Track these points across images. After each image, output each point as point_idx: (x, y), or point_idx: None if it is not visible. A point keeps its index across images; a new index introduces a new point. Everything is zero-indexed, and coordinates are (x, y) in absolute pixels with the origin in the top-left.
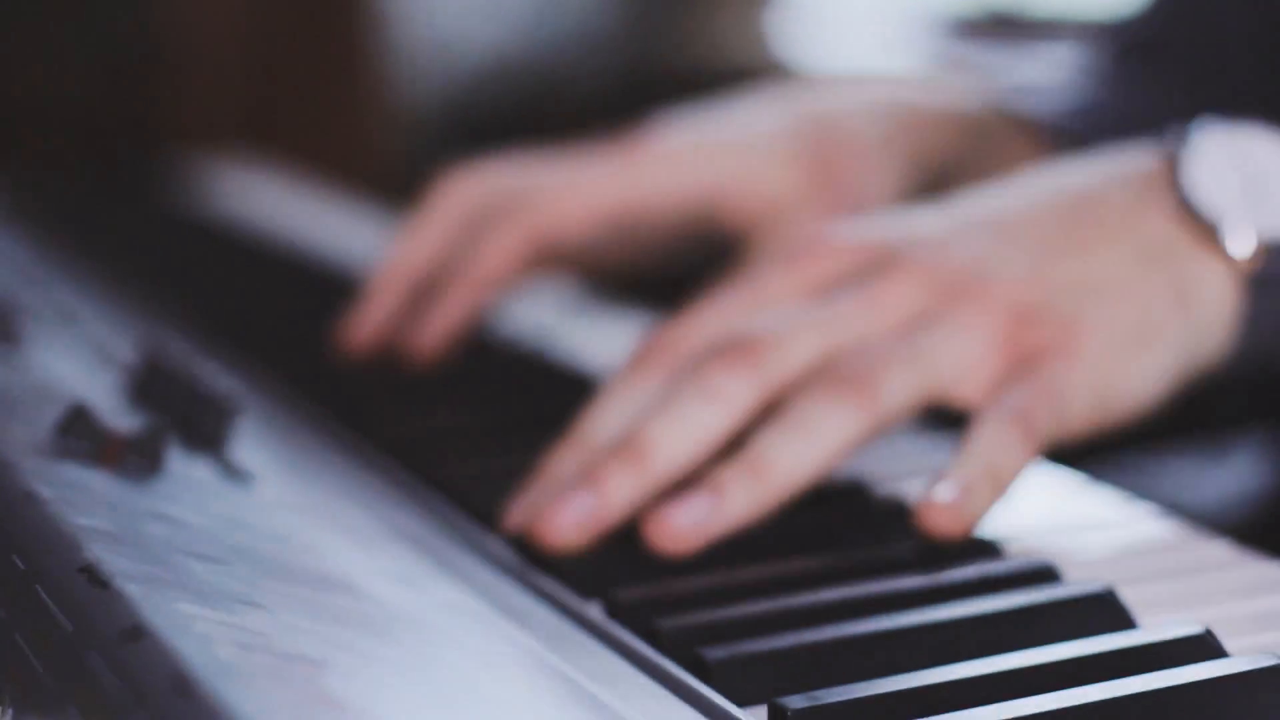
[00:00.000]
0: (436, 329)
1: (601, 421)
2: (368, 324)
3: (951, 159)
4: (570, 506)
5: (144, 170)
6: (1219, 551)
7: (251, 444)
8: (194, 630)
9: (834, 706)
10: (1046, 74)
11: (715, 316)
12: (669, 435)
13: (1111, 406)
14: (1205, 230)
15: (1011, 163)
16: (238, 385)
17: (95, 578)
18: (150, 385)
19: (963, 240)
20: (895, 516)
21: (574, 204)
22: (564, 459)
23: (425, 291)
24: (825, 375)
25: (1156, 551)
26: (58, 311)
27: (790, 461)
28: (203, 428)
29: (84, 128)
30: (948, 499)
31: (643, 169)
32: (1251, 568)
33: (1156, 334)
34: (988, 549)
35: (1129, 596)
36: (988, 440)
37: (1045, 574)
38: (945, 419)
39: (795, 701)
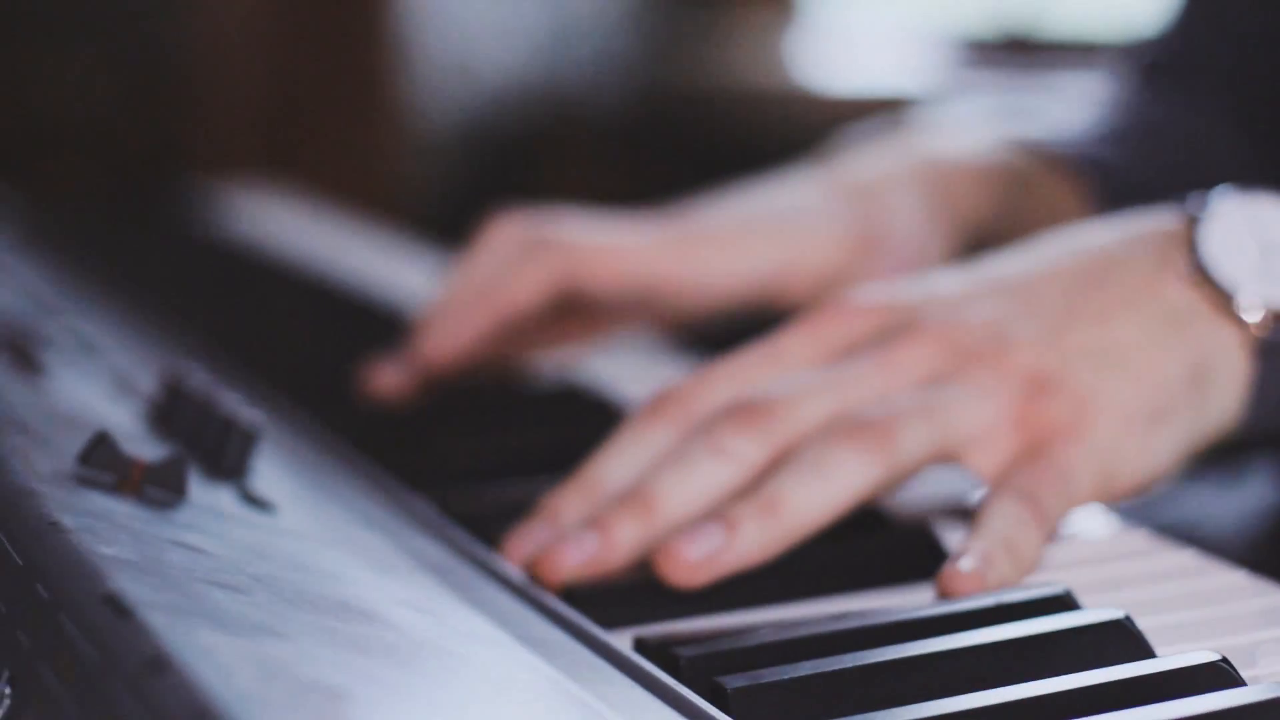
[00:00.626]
0: (448, 343)
1: (609, 467)
2: (418, 363)
3: (993, 213)
4: (576, 548)
5: (163, 196)
6: (1235, 579)
7: (272, 472)
8: (216, 659)
9: None
10: (1070, 104)
11: (732, 375)
12: (677, 488)
13: (1118, 483)
14: (1221, 297)
15: (1051, 205)
16: (258, 413)
17: (118, 607)
18: (171, 414)
19: (981, 303)
20: (912, 543)
21: (611, 261)
22: (569, 500)
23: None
24: (843, 422)
25: (1173, 579)
26: (79, 339)
27: (804, 503)
28: (224, 456)
29: (104, 153)
30: (969, 568)
31: (691, 249)
32: (1267, 595)
33: (1169, 414)
34: None
35: (1145, 624)
36: (1001, 517)
37: (1061, 602)
38: None
39: None
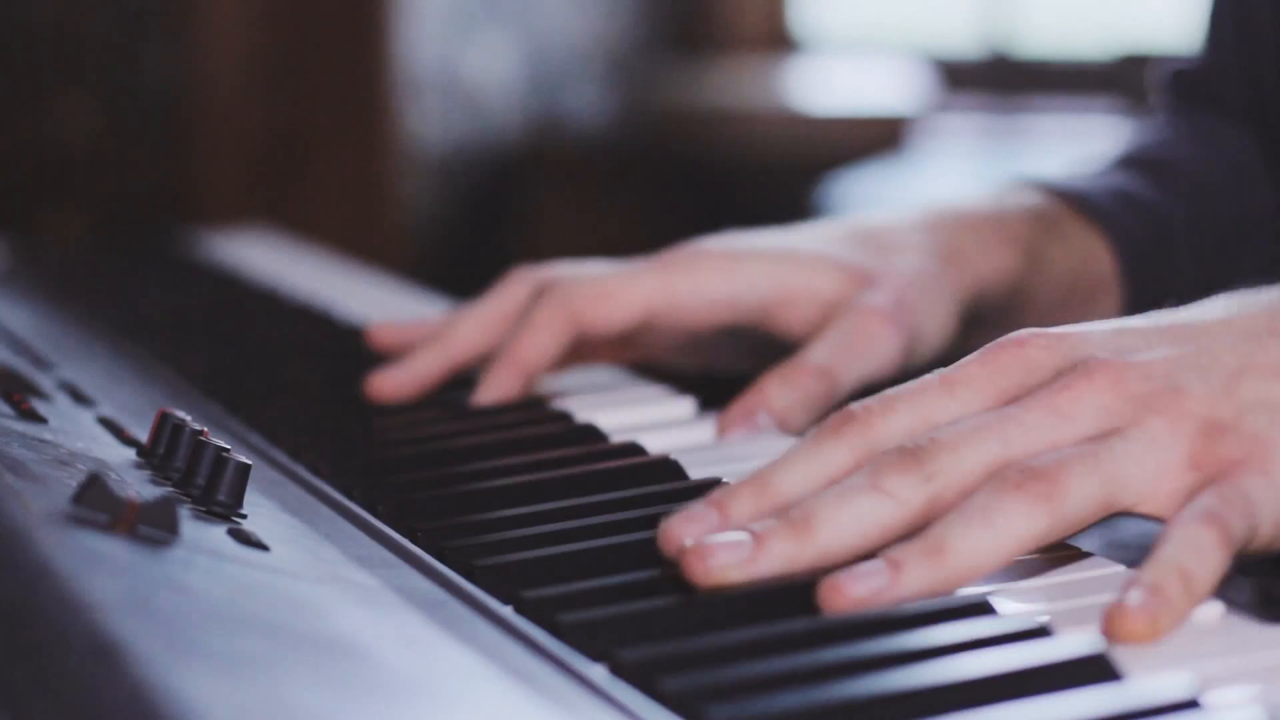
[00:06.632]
0: (480, 398)
1: (784, 476)
2: (401, 377)
3: (1024, 264)
4: (731, 549)
5: (157, 242)
6: (1213, 613)
7: (263, 511)
8: (205, 702)
9: None
10: (1099, 147)
11: (911, 402)
12: (836, 518)
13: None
14: None
15: (1082, 247)
16: (250, 454)
17: (108, 650)
18: (164, 453)
19: (1155, 347)
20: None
21: (612, 296)
22: (740, 498)
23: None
24: (1013, 470)
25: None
26: (75, 381)
27: (971, 549)
28: (216, 495)
29: (101, 198)
30: (1137, 603)
31: (679, 273)
32: (1242, 628)
33: None
34: (982, 608)
35: (1121, 656)
36: (1178, 542)
37: (1039, 633)
38: None
39: None
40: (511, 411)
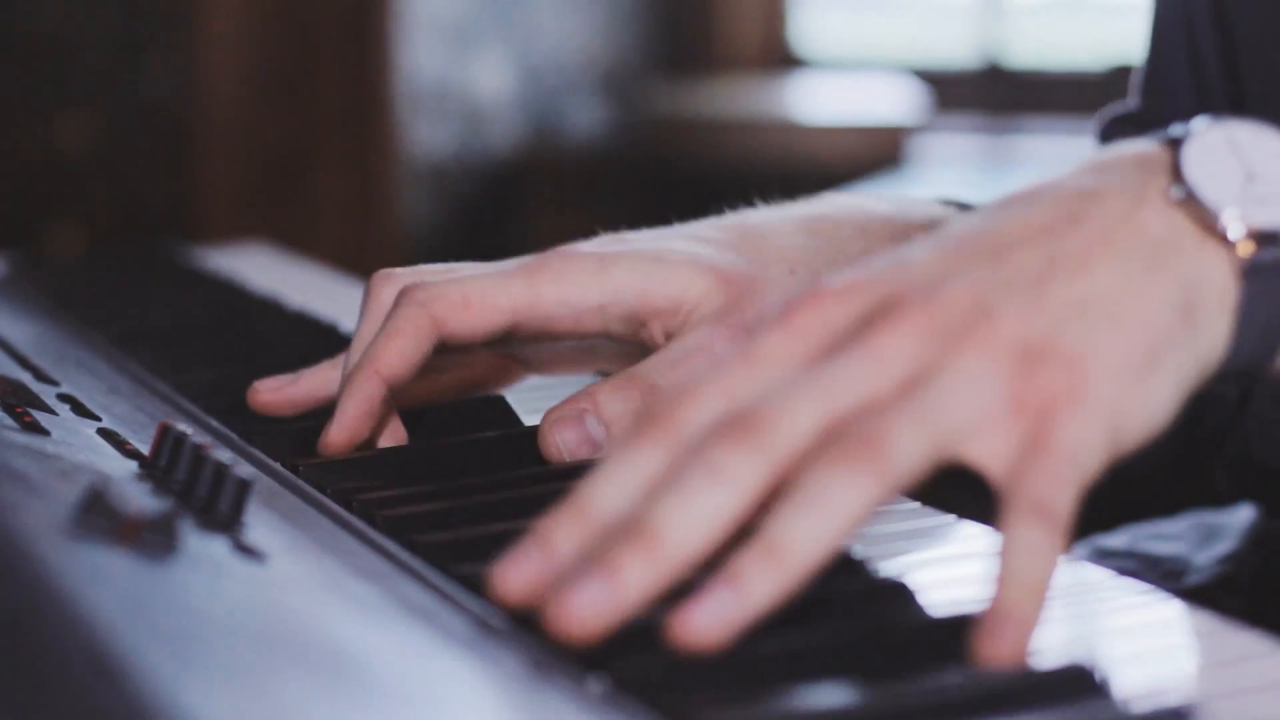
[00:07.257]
0: (339, 427)
1: (601, 493)
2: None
3: None
4: (586, 596)
5: (160, 255)
6: (1201, 623)
7: (264, 523)
8: (209, 711)
9: None
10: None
11: (715, 386)
12: (680, 519)
13: (1124, 439)
14: (1207, 218)
15: None
16: (250, 466)
17: (108, 664)
18: (166, 466)
19: (958, 273)
20: (884, 590)
21: (474, 303)
22: (562, 529)
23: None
24: (833, 444)
25: (1137, 626)
26: (76, 393)
27: (806, 539)
28: (217, 508)
29: (103, 212)
30: (1005, 630)
31: (544, 281)
32: (1233, 639)
33: (1163, 355)
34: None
35: (1105, 668)
36: (1021, 552)
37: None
38: None
39: None
40: (512, 424)
